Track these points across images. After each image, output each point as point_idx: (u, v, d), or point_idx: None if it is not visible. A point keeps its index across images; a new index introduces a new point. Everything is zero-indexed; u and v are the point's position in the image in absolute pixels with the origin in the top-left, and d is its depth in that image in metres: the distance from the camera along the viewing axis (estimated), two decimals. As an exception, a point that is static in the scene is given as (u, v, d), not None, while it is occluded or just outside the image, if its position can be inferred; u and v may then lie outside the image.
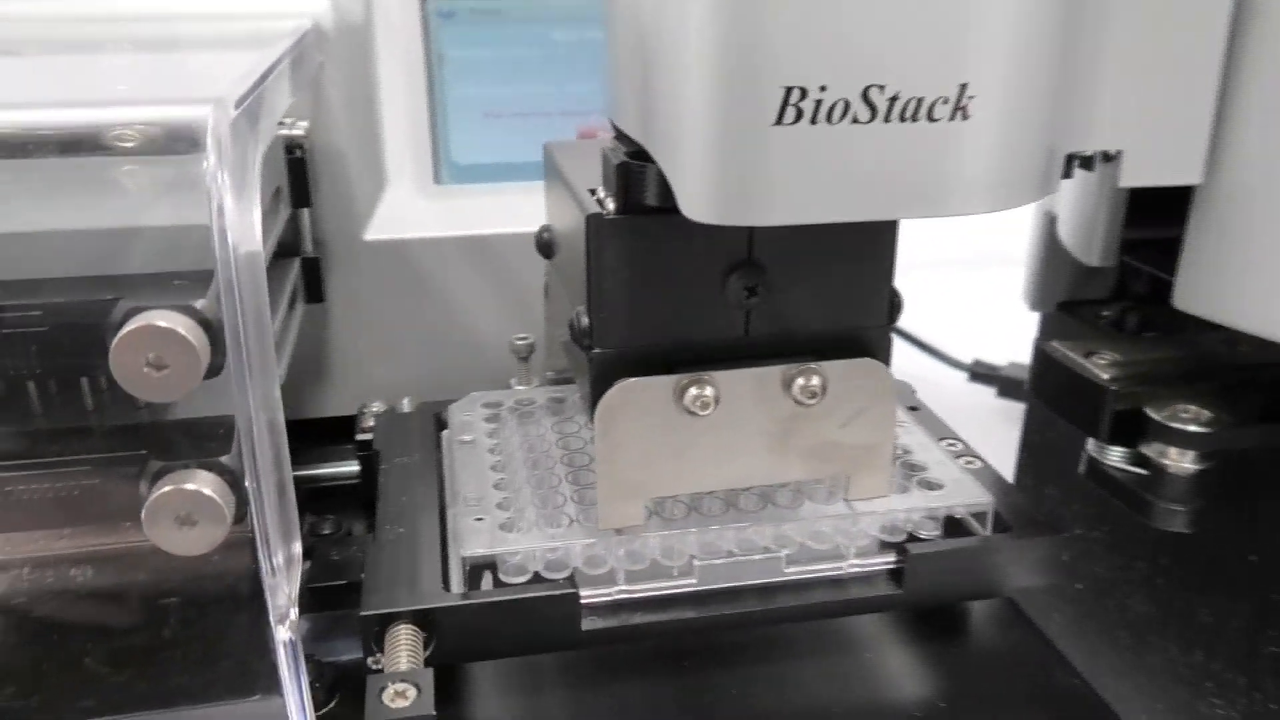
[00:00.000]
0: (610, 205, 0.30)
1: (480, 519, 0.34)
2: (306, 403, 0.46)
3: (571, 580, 0.32)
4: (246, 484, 0.24)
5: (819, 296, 0.32)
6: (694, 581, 0.33)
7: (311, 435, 0.47)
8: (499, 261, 0.46)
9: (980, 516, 0.36)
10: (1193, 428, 0.34)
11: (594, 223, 0.30)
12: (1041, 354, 0.39)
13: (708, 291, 0.31)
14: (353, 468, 0.44)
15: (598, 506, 0.32)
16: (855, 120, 0.25)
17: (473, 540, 0.33)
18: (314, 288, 0.44)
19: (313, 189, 0.42)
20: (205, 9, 0.41)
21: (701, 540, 0.34)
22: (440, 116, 0.49)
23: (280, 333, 0.37)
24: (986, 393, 0.85)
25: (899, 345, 0.93)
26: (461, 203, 0.47)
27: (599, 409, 0.31)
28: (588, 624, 0.32)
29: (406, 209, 0.46)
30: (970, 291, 0.91)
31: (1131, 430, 0.36)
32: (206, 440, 0.26)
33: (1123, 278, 0.45)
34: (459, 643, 0.32)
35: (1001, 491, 0.37)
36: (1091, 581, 0.47)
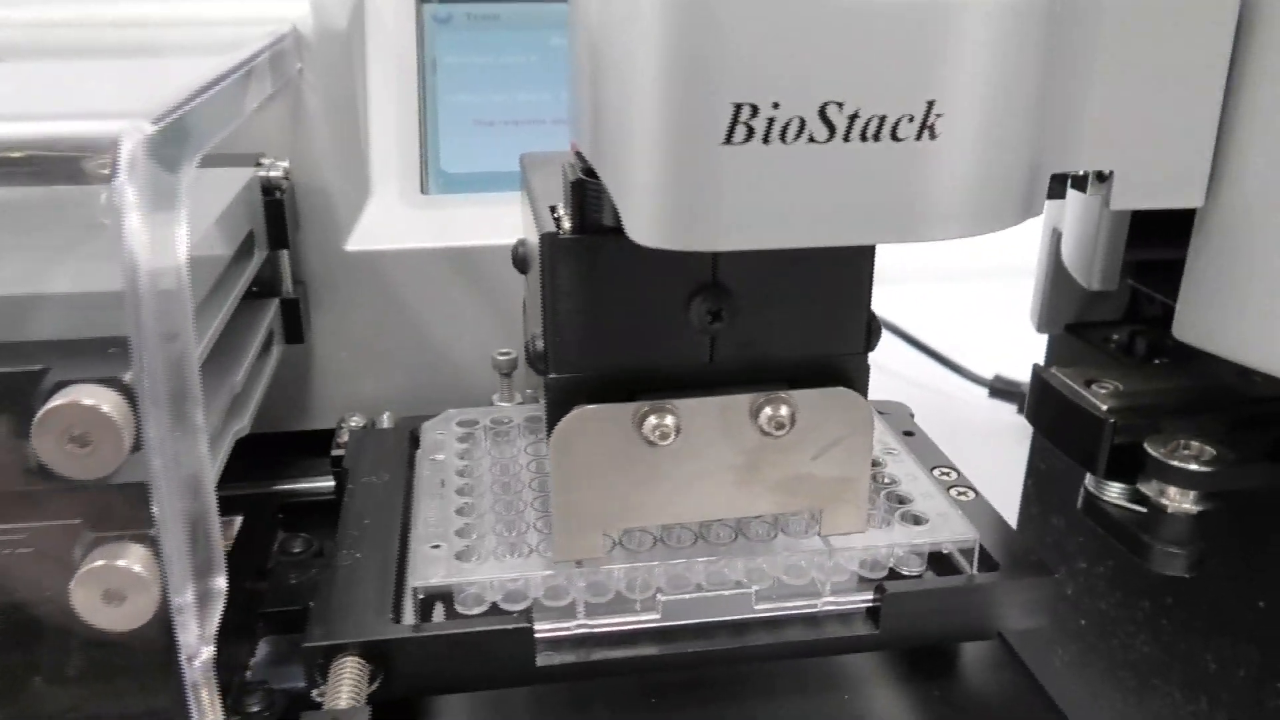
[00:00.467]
0: (567, 224, 0.28)
1: (437, 546, 0.33)
2: (288, 415, 0.45)
3: (528, 614, 0.31)
4: (154, 509, 0.23)
5: (790, 322, 0.30)
6: (658, 616, 0.32)
7: (294, 448, 0.47)
8: (485, 274, 0.45)
9: (968, 553, 0.34)
10: (1193, 466, 0.32)
11: (548, 242, 0.28)
12: (1039, 380, 0.37)
13: (670, 316, 0.29)
14: (329, 484, 0.43)
15: (553, 537, 0.31)
16: (812, 140, 0.23)
17: (426, 569, 0.31)
18: (293, 328, 0.43)
19: (289, 204, 0.41)
20: (182, 14, 0.41)
21: (669, 573, 0.32)
22: (431, 124, 0.48)
23: (248, 376, 0.36)
24: (1007, 409, 0.82)
25: (918, 360, 0.92)
26: (448, 213, 0.46)
27: (553, 436, 0.29)
28: (543, 659, 0.31)
29: (390, 219, 0.45)
30: (994, 305, 0.88)
31: (1131, 465, 0.34)
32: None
33: (1134, 299, 0.43)
34: (408, 677, 0.30)
35: (992, 527, 0.35)
36: (1095, 618, 0.45)
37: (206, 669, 0.24)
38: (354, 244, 0.44)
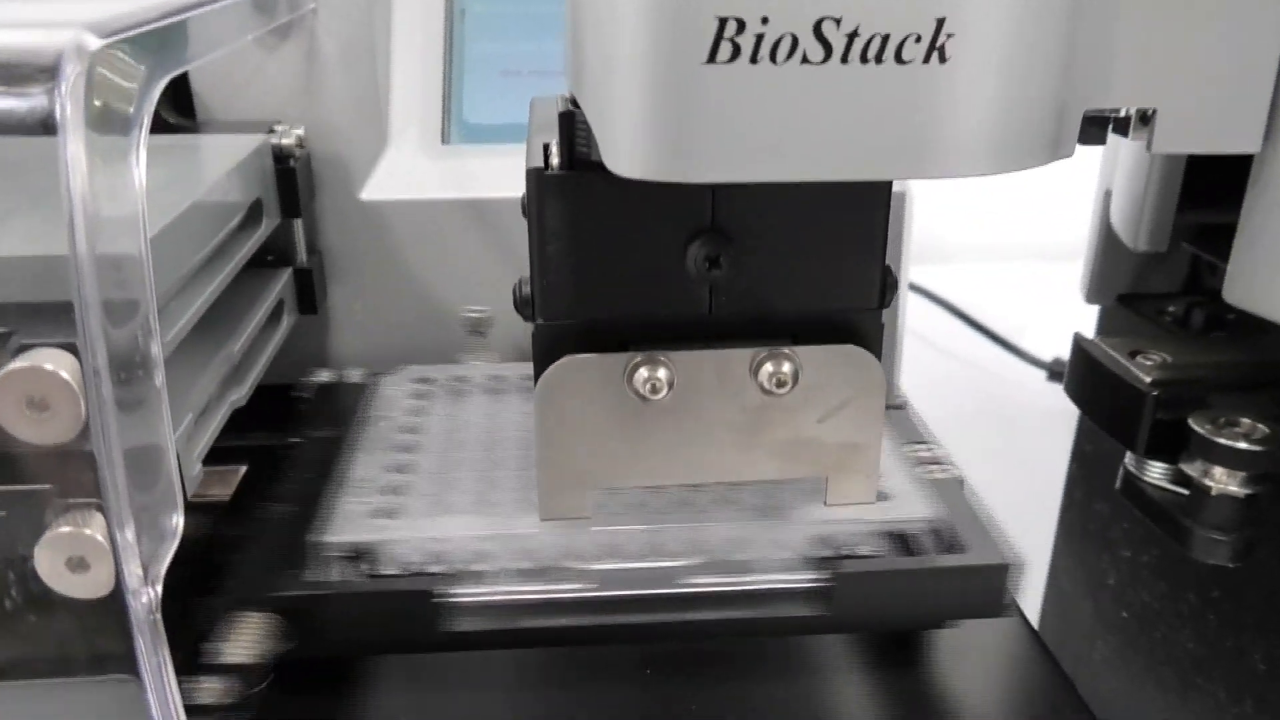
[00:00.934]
0: (555, 161, 0.27)
1: (363, 503, 0.31)
2: (303, 368, 0.44)
3: (441, 577, 0.29)
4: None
5: (796, 272, 0.28)
6: (590, 586, 0.30)
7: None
8: (505, 227, 0.43)
9: (930, 534, 0.31)
10: (1242, 445, 0.29)
11: (534, 178, 0.26)
12: (1079, 350, 0.35)
13: (667, 262, 0.27)
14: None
15: (538, 495, 0.29)
16: (806, 60, 0.21)
17: (342, 526, 0.30)
18: (307, 298, 0.42)
19: (303, 173, 0.39)
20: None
21: (608, 541, 0.30)
22: (456, 73, 0.46)
23: (250, 345, 0.36)
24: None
25: (977, 340, 0.89)
26: (467, 164, 0.44)
27: (538, 386, 0.28)
28: (466, 625, 0.29)
29: (408, 169, 0.44)
30: (1057, 286, 0.85)
31: (1174, 443, 0.31)
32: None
33: (1195, 269, 0.40)
34: (312, 636, 0.29)
35: (962, 507, 0.33)
36: (1138, 610, 0.42)
37: (150, 611, 0.23)
38: (370, 193, 0.43)
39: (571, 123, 0.26)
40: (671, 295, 0.28)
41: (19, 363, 0.22)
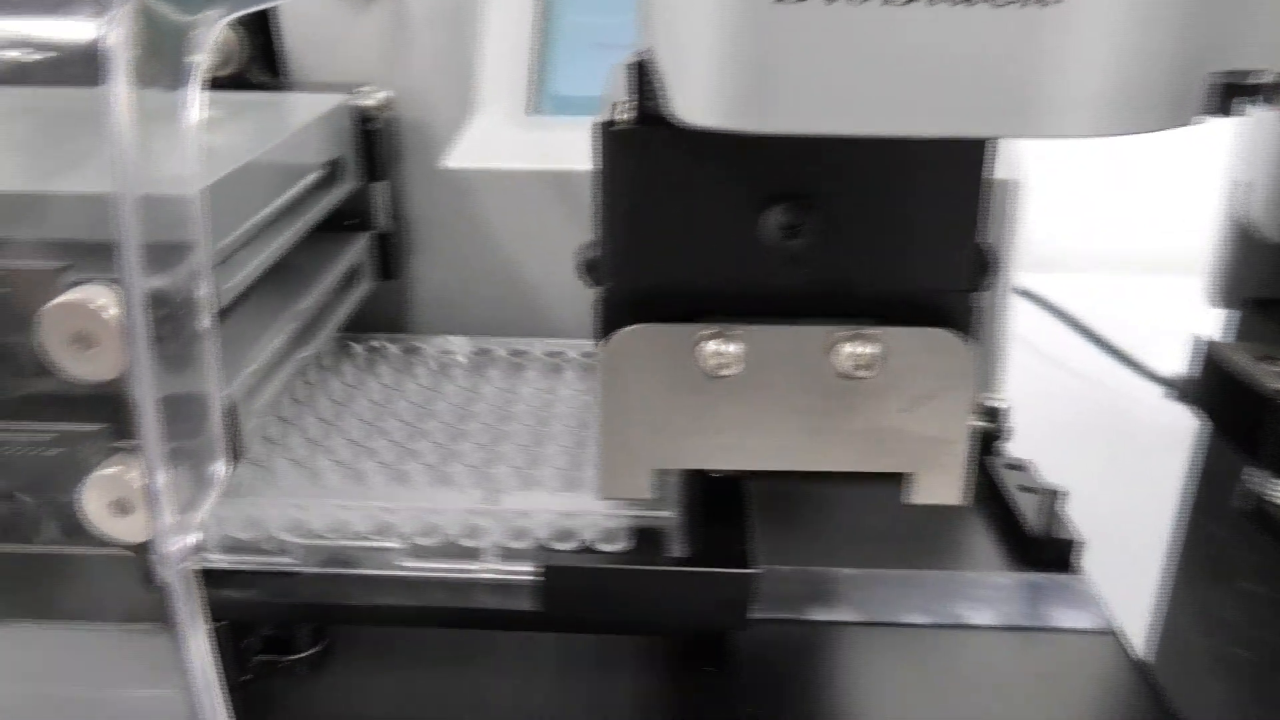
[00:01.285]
0: (626, 116, 0.25)
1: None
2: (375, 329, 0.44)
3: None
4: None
5: (883, 244, 0.26)
6: (291, 559, 0.29)
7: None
8: (586, 200, 0.42)
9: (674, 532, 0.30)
10: (1386, 463, 0.26)
11: (601, 133, 0.25)
12: (1202, 353, 0.32)
13: (742, 227, 0.26)
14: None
15: (600, 472, 0.28)
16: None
17: None
18: (387, 264, 0.41)
19: (386, 136, 0.39)
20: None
21: (333, 516, 0.30)
22: (548, 43, 0.45)
23: (321, 307, 0.36)
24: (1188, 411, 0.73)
25: (1091, 353, 0.84)
26: (553, 135, 0.43)
27: (602, 356, 0.26)
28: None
29: (494, 138, 0.43)
30: (1180, 299, 0.80)
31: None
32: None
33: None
34: None
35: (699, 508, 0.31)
36: (1264, 652, 0.38)
37: (184, 559, 0.22)
38: (453, 161, 0.42)
39: (641, 73, 0.24)
40: (747, 264, 0.26)
41: (66, 296, 0.22)
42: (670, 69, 0.21)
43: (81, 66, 0.21)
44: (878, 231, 0.26)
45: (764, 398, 0.27)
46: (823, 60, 0.19)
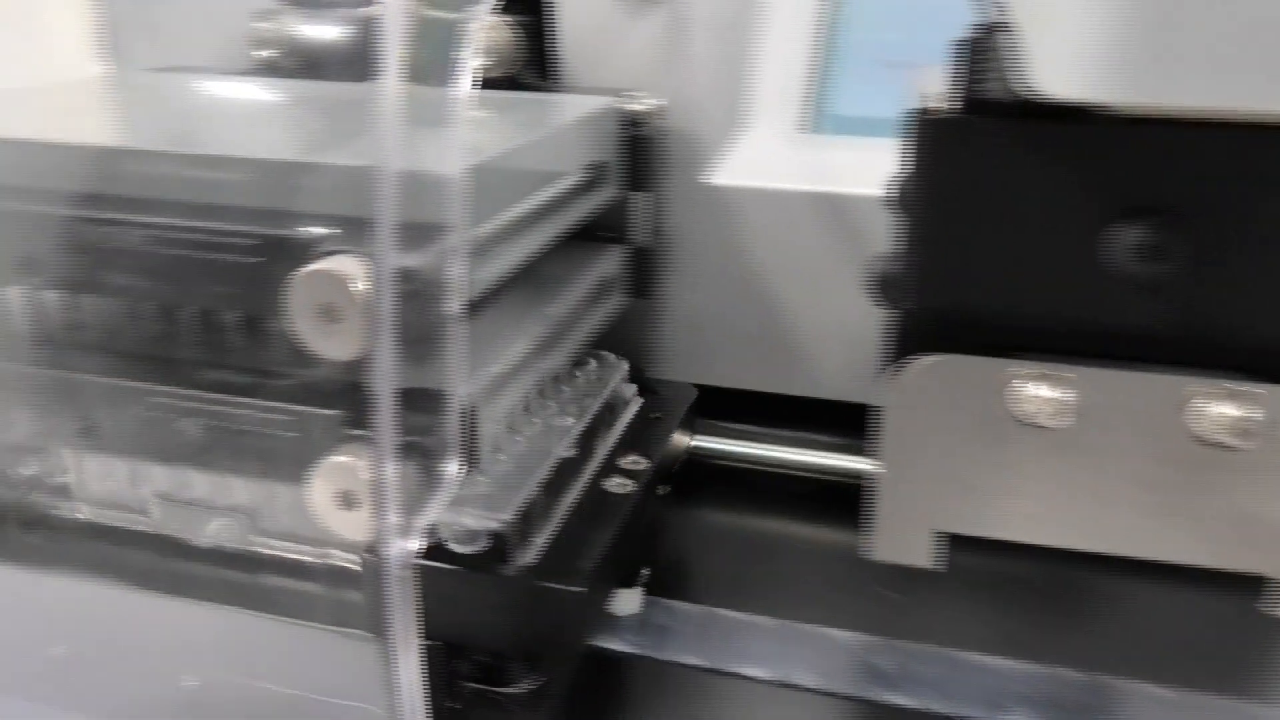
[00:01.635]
0: (946, 103, 0.21)
1: None
2: (626, 355, 0.41)
3: None
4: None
5: (1275, 279, 0.20)
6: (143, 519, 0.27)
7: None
8: (861, 228, 0.38)
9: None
10: None
11: (916, 121, 0.21)
12: None
13: (1083, 245, 0.21)
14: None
15: (874, 532, 0.23)
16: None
17: None
18: (641, 281, 0.38)
19: (652, 145, 0.36)
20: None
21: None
22: (830, 59, 0.42)
23: (572, 317, 0.33)
24: None
25: None
26: (828, 155, 0.39)
27: (889, 389, 0.22)
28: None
29: (764, 154, 0.39)
30: None
31: None
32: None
33: None
34: None
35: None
36: None
37: (403, 565, 0.19)
38: (720, 177, 0.39)
39: (971, 50, 0.20)
40: (1087, 291, 0.21)
41: (317, 265, 0.21)
42: (1032, 29, 0.17)
43: (354, 61, 0.20)
44: (1270, 260, 0.20)
45: (1095, 461, 0.21)
46: (1243, 12, 0.15)
